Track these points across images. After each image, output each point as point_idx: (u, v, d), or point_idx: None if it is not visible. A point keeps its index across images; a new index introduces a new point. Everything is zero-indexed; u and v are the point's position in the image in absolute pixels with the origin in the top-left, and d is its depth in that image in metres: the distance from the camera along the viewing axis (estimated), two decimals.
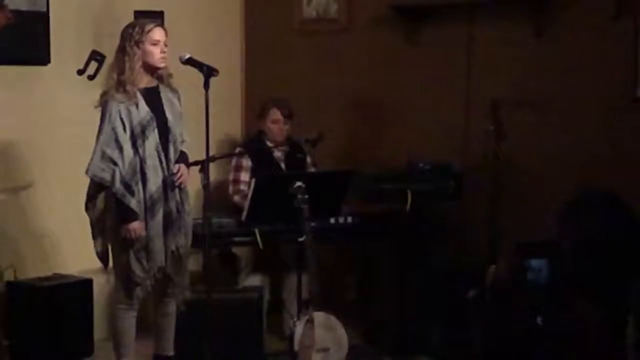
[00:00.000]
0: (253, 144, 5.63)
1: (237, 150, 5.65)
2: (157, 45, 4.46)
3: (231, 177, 5.55)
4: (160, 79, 4.57)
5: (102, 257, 4.54)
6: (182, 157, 4.58)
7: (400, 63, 5.80)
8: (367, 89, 5.93)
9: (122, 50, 4.47)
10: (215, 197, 5.49)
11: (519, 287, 4.47)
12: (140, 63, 4.44)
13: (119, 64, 4.46)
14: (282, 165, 5.56)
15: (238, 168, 5.54)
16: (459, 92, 5.55)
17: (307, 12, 6.16)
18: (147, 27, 4.47)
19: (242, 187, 5.44)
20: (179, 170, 4.53)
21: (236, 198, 5.45)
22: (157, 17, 5.44)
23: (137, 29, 4.46)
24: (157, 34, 4.47)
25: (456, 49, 5.55)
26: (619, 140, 5.01)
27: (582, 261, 3.68)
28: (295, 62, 6.21)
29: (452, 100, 5.57)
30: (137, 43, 4.43)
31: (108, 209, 4.43)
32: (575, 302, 3.93)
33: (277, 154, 5.57)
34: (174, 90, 4.61)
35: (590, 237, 3.69)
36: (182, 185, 4.55)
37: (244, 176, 5.49)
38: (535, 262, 4.42)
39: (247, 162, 5.52)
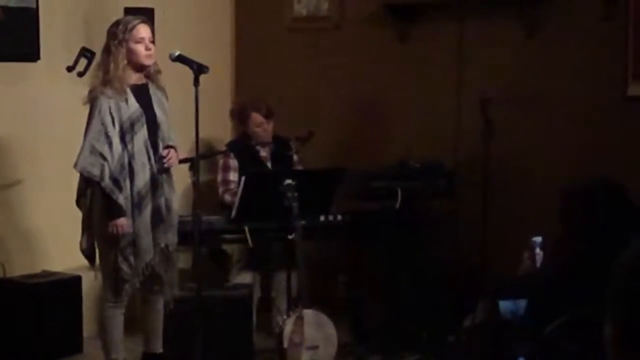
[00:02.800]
0: (238, 143, 5.60)
1: (224, 148, 5.62)
2: (141, 42, 4.43)
3: (219, 177, 5.52)
4: (148, 76, 4.55)
5: (88, 254, 4.52)
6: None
7: (391, 61, 5.79)
8: (358, 87, 5.91)
9: (106, 50, 4.45)
10: (205, 195, 5.48)
11: (494, 329, 4.40)
12: (125, 62, 4.41)
13: (104, 64, 4.44)
14: (269, 165, 5.54)
15: (226, 168, 5.50)
16: (449, 90, 5.54)
17: (297, 10, 6.14)
18: (130, 25, 4.44)
19: (232, 186, 5.42)
20: (168, 153, 4.51)
21: (227, 197, 5.42)
22: (147, 14, 5.41)
23: (120, 27, 4.44)
24: (141, 31, 4.44)
25: (447, 47, 5.54)
26: (610, 139, 5.01)
27: (582, 252, 3.64)
28: (285, 60, 6.20)
29: (443, 98, 5.57)
30: (121, 42, 4.40)
31: (94, 205, 4.41)
32: (554, 340, 3.88)
33: (263, 153, 5.55)
34: (161, 88, 4.59)
35: (596, 224, 3.64)
36: (170, 166, 4.52)
37: (233, 176, 5.46)
38: (508, 304, 4.32)
39: (234, 162, 5.49)
